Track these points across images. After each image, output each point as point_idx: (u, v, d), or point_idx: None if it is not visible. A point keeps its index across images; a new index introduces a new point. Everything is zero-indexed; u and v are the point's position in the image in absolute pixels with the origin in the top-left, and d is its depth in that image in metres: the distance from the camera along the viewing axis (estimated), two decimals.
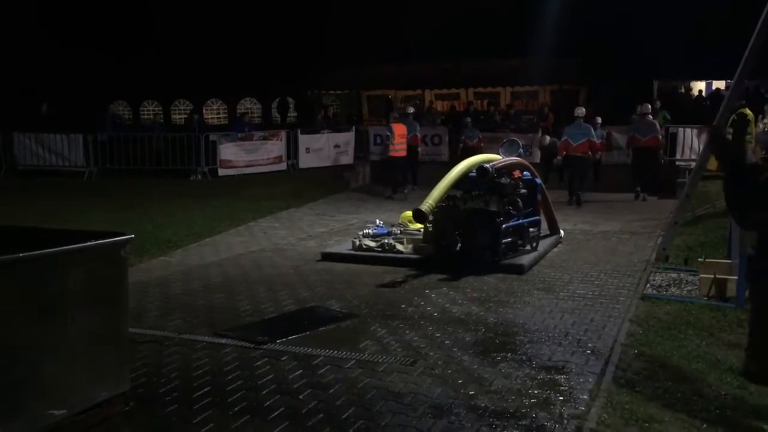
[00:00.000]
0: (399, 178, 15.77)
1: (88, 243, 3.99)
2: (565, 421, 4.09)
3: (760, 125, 11.20)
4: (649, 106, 15.94)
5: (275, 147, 18.97)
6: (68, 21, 27.77)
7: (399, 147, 15.53)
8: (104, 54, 27.96)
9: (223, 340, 5.60)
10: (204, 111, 32.71)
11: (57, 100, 22.74)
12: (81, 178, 17.90)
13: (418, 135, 16.93)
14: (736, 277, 6.55)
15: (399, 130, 15.65)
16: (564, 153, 14.31)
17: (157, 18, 28.52)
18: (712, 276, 6.79)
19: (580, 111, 14.67)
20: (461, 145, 17.46)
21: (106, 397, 4.09)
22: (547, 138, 16.43)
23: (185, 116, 28.68)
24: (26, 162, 18.51)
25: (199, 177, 17.83)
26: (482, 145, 16.85)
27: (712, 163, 8.88)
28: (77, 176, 17.94)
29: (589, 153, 14.34)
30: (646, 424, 4.02)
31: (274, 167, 18.69)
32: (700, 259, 7.59)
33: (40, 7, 27.27)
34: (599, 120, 16.36)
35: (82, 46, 27.37)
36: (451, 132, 19.41)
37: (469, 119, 18.87)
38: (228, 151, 18.17)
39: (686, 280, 7.46)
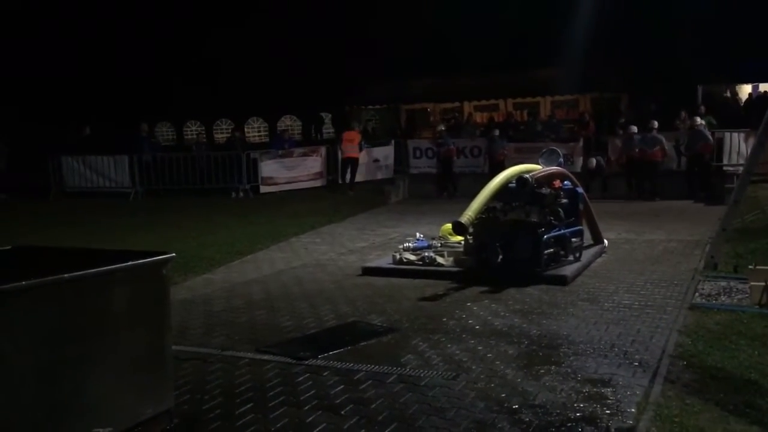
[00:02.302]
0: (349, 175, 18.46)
1: (130, 263, 4.05)
2: None
3: None
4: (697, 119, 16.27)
5: (315, 163, 19.13)
6: (111, 43, 28.51)
7: (350, 148, 18.43)
8: (148, 76, 28.63)
9: (266, 357, 5.62)
10: (245, 129, 33.16)
11: (101, 123, 23.31)
12: (127, 198, 18.29)
13: (452, 147, 18.70)
14: None
15: (348, 136, 18.67)
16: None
17: (198, 40, 29.11)
18: (764, 283, 6.58)
19: (653, 123, 16.50)
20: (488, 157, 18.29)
21: (150, 414, 4.13)
22: (593, 160, 16.37)
23: (227, 135, 29.11)
24: (74, 184, 19.00)
25: (241, 194, 18.08)
26: (505, 156, 17.20)
27: None
28: (123, 197, 18.33)
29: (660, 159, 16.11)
30: None
31: (314, 183, 18.84)
32: (750, 267, 7.36)
33: (82, 31, 28.05)
34: (656, 124, 16.62)
35: (126, 68, 28.07)
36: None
37: (497, 131, 18.96)
38: (269, 168, 18.40)
39: (736, 289, 7.24)
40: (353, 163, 18.50)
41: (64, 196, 18.52)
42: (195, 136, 30.49)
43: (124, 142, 19.59)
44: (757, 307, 6.51)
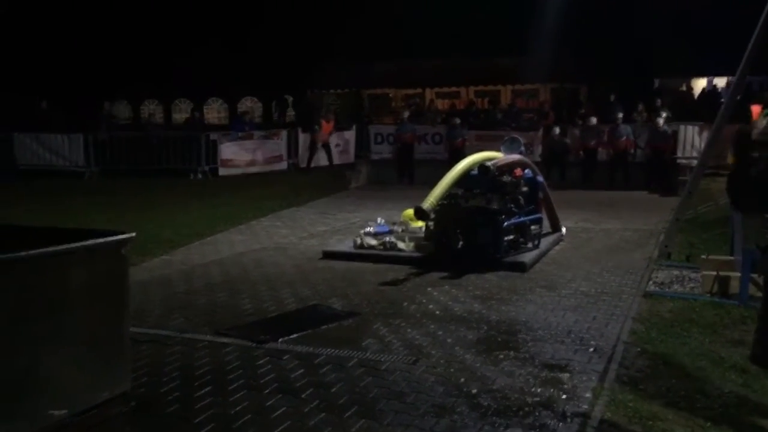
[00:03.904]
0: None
1: (89, 242, 3.97)
2: (569, 420, 4.07)
3: (764, 122, 11.18)
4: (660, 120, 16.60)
5: (276, 146, 18.97)
6: (69, 18, 27.73)
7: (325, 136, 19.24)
8: (105, 52, 27.95)
9: (225, 339, 5.58)
10: (205, 110, 32.67)
11: (57, 99, 22.70)
12: (81, 177, 17.88)
13: (412, 133, 18.88)
14: (738, 274, 6.53)
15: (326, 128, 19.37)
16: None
17: (156, 17, 28.49)
18: (715, 273, 6.77)
19: (619, 115, 16.90)
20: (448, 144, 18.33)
21: (107, 397, 4.08)
22: (557, 129, 17.14)
23: (186, 115, 28.65)
24: (26, 161, 18.48)
25: (200, 176, 17.84)
26: (465, 143, 17.33)
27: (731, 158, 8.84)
28: (77, 176, 17.92)
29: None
30: (650, 422, 4.00)
31: (274, 166, 18.69)
32: (702, 256, 7.57)
33: (41, 5, 27.23)
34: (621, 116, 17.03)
35: (83, 44, 27.35)
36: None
37: (457, 119, 19.07)
38: (228, 150, 18.19)
39: (689, 277, 7.43)
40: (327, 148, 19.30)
41: (15, 174, 17.96)
42: (147, 116, 29.94)
43: (81, 120, 19.12)
44: (708, 295, 6.69)
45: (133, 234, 4.20)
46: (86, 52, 27.31)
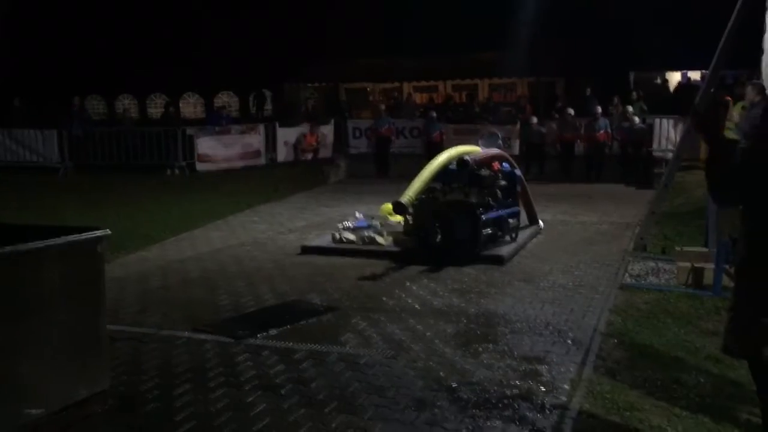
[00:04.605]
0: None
1: (64, 239, 3.92)
2: (547, 411, 4.10)
3: (735, 113, 11.35)
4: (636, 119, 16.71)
5: (253, 141, 18.87)
6: (41, 13, 27.34)
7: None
8: (78, 48, 27.60)
9: (203, 336, 5.55)
10: (180, 105, 32.38)
11: (29, 95, 22.39)
12: (55, 174, 17.65)
13: (389, 127, 18.81)
14: (713, 266, 6.62)
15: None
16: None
17: (131, 10, 28.18)
18: (690, 264, 6.85)
19: (597, 109, 16.92)
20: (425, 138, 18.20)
21: (84, 395, 4.04)
22: (535, 118, 17.18)
23: (161, 110, 28.38)
24: None
25: (177, 172, 17.69)
26: (443, 138, 17.40)
27: (704, 152, 8.96)
28: (52, 172, 17.68)
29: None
30: (627, 413, 4.05)
31: (252, 161, 18.59)
32: (677, 248, 7.66)
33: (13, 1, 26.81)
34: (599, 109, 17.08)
35: (56, 39, 26.98)
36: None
37: (433, 113, 19.12)
38: (205, 145, 18.05)
39: (664, 269, 7.51)
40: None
41: None
42: (122, 111, 29.68)
43: (55, 116, 18.86)
44: (683, 287, 6.77)
45: (108, 231, 4.16)
46: (60, 47, 26.94)
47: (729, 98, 12.98)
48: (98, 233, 4.09)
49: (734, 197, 3.11)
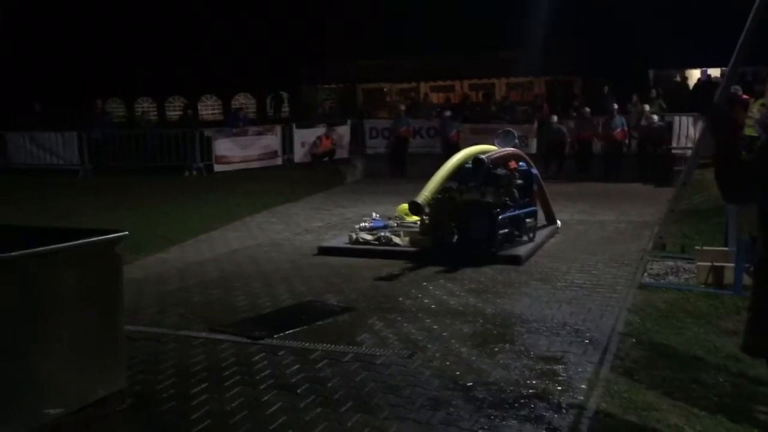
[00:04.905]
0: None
1: (82, 241, 3.96)
2: (564, 411, 4.08)
3: (754, 110, 11.26)
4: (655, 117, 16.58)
5: (270, 142, 18.94)
6: (60, 17, 27.63)
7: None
8: (98, 51, 27.86)
9: (220, 336, 5.58)
10: (198, 107, 32.59)
11: (50, 99, 22.63)
12: (75, 176, 17.83)
13: (407, 128, 18.98)
14: (733, 265, 6.54)
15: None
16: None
17: (149, 14, 28.40)
18: (710, 263, 6.78)
19: (614, 106, 16.87)
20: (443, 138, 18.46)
21: (102, 395, 4.07)
22: (555, 117, 17.27)
23: (180, 112, 28.57)
24: (20, 161, 18.42)
25: (195, 173, 17.79)
26: (460, 137, 17.41)
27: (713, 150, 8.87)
28: (72, 175, 17.86)
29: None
30: (645, 413, 4.01)
31: (269, 162, 18.67)
32: (697, 247, 7.58)
33: (32, 5, 27.14)
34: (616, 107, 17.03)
35: (75, 42, 27.25)
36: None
37: (448, 112, 19.15)
38: (223, 146, 18.13)
39: (683, 268, 7.44)
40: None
41: (10, 173, 17.92)
42: (140, 114, 29.86)
43: (76, 120, 19.06)
44: (702, 286, 6.70)
45: (126, 232, 4.19)
46: (79, 50, 27.21)
47: (746, 96, 12.88)
48: (116, 235, 4.12)
49: (744, 196, 3.07)
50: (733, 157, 2.89)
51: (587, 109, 17.09)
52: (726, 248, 7.32)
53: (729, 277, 6.56)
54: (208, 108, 34.93)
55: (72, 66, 26.97)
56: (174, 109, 33.84)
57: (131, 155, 18.09)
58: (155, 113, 33.62)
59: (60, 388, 3.81)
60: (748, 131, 12.10)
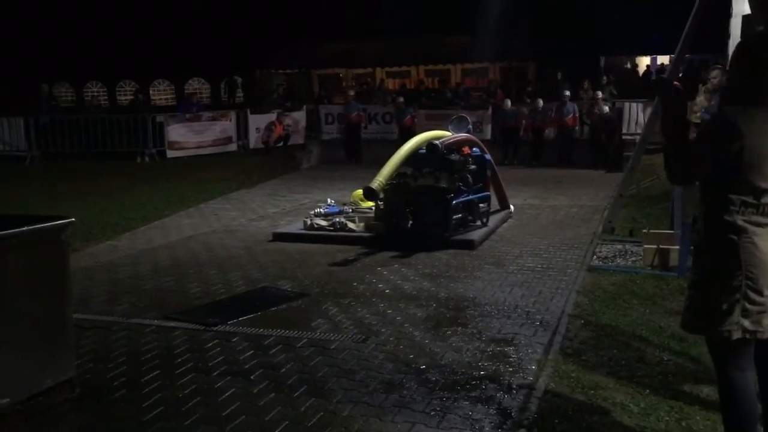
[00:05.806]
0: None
1: (27, 228, 3.88)
2: (514, 392, 4.16)
3: (701, 98, 11.51)
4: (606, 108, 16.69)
5: (225, 127, 18.72)
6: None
7: None
8: (45, 34, 27.07)
9: (173, 324, 5.53)
10: (150, 91, 31.97)
11: None
12: (22, 162, 17.37)
13: (358, 114, 18.86)
14: (678, 247, 6.73)
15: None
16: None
17: None
18: (656, 246, 6.96)
19: (566, 93, 17.17)
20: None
21: (51, 384, 4.01)
22: (509, 101, 17.47)
23: (131, 97, 27.98)
24: None
25: (147, 159, 17.51)
26: (415, 123, 17.48)
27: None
28: (18, 161, 17.39)
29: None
30: (592, 392, 4.12)
31: (223, 148, 18.46)
32: (644, 231, 7.77)
33: None
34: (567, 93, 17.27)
35: (22, 25, 26.43)
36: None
37: (401, 98, 19.17)
38: (176, 132, 17.87)
39: (631, 251, 7.63)
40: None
41: None
42: (90, 98, 29.14)
43: (22, 104, 18.53)
44: (649, 268, 6.89)
45: (72, 219, 4.12)
46: (25, 32, 26.40)
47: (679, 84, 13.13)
48: (62, 221, 4.05)
49: (690, 175, 3.17)
50: (683, 135, 2.98)
51: (540, 101, 17.32)
52: (672, 231, 7.52)
53: (674, 259, 6.76)
54: (161, 93, 34.29)
55: (14, 48, 26.13)
56: (125, 94, 33.11)
57: (81, 141, 17.70)
58: (105, 98, 32.90)
59: (6, 378, 3.74)
60: (694, 118, 12.38)
